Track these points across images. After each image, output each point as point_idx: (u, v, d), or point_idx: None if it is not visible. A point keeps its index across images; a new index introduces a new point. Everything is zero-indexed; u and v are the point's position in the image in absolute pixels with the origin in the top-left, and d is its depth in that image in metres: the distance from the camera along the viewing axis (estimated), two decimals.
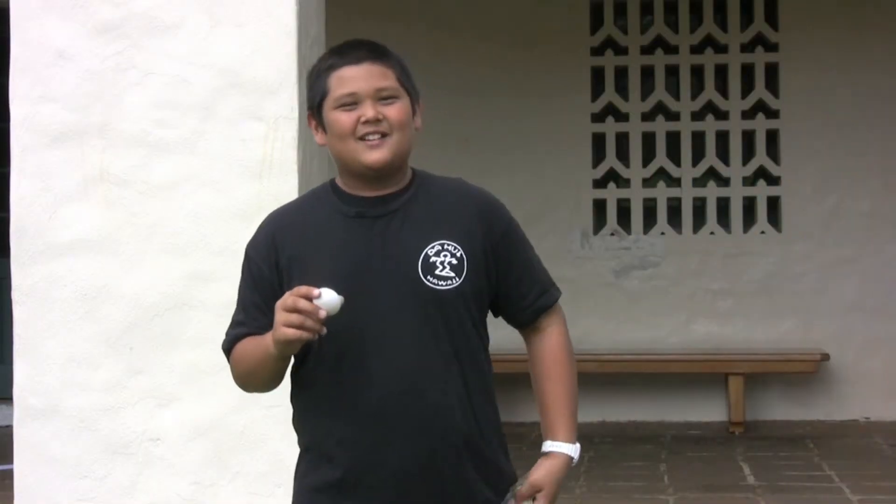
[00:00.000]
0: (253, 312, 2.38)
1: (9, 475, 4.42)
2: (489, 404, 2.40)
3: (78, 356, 4.26)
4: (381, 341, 2.30)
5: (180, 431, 4.24)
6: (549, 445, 2.43)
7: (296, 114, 4.19)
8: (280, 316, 2.19)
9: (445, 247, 2.34)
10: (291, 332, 2.18)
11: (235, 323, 2.43)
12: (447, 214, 2.38)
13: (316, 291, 2.17)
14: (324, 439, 2.35)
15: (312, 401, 2.37)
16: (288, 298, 2.19)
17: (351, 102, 2.33)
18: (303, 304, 2.16)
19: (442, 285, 2.32)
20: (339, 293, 2.21)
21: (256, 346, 2.32)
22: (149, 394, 4.25)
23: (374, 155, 2.33)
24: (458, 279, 2.33)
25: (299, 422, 2.42)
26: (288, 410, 2.45)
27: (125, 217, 4.26)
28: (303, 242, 2.37)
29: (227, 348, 2.43)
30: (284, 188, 4.13)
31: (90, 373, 4.26)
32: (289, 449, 2.47)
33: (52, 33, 4.28)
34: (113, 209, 4.26)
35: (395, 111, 2.34)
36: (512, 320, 2.49)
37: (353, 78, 2.34)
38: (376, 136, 2.33)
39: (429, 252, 2.33)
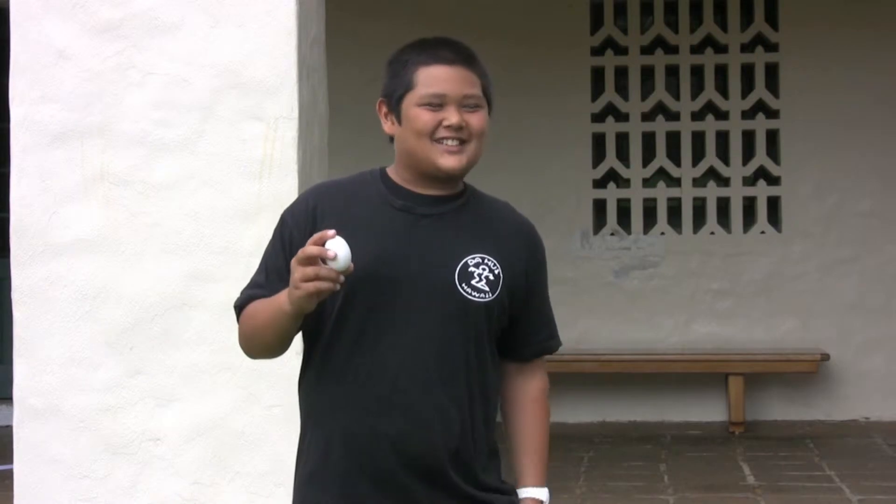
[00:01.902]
0: (274, 278, 2.35)
1: (9, 475, 4.42)
2: (487, 425, 2.39)
3: (78, 356, 4.26)
4: (399, 337, 2.30)
5: (180, 431, 4.24)
6: (524, 492, 2.44)
7: (295, 114, 4.19)
8: (297, 272, 2.16)
9: (486, 261, 2.35)
10: (308, 286, 2.14)
11: (254, 283, 2.40)
12: (494, 232, 2.39)
13: (331, 232, 2.15)
14: (329, 427, 2.33)
15: (320, 388, 2.35)
16: (299, 252, 2.16)
17: (438, 104, 2.33)
18: (311, 248, 2.14)
19: (474, 296, 2.32)
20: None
21: (269, 304, 2.29)
22: (149, 394, 4.25)
23: (451, 161, 2.33)
24: (490, 295, 2.34)
25: (307, 403, 2.39)
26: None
27: (125, 217, 4.26)
28: (343, 222, 2.32)
29: (240, 305, 2.40)
30: (284, 188, 4.13)
31: (90, 373, 4.25)
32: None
33: (52, 33, 4.28)
34: (113, 209, 4.26)
35: (477, 120, 2.35)
36: (509, 352, 2.47)
37: (444, 80, 2.33)
38: (455, 143, 2.33)
39: (469, 261, 2.34)
